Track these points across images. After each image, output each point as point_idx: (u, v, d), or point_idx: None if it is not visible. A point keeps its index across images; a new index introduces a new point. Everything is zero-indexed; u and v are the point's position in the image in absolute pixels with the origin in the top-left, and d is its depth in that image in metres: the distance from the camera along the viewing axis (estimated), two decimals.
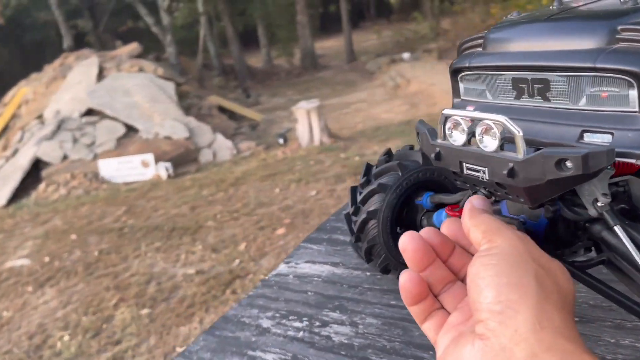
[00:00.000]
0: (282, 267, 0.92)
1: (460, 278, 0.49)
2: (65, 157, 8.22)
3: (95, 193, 7.39)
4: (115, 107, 8.71)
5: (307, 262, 0.93)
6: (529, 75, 0.56)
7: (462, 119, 0.54)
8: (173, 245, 5.14)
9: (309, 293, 0.84)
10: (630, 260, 0.52)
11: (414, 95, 10.55)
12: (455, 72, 0.67)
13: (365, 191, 0.82)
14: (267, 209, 5.73)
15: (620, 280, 0.59)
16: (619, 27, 0.49)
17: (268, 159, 7.67)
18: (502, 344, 0.37)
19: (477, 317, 0.40)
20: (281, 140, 8.27)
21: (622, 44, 0.49)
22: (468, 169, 0.54)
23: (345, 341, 0.71)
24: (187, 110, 9.31)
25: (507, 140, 0.52)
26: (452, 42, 13.25)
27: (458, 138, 0.55)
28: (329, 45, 24.02)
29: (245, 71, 15.61)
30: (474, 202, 0.49)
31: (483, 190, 0.57)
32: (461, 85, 0.67)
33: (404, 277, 0.46)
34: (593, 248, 0.63)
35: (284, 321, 0.77)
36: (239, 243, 4.97)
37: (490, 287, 0.39)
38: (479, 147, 0.53)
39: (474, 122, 0.53)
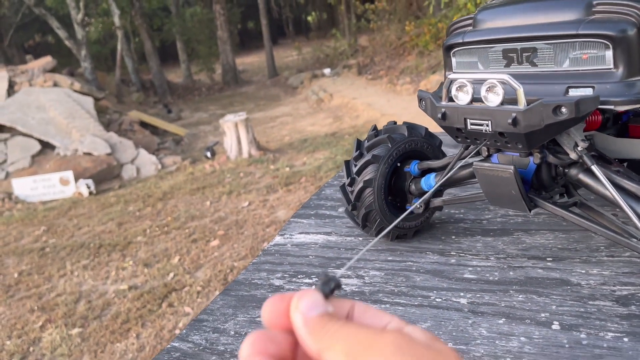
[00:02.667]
0: (279, 239, 0.98)
1: None
2: None
3: (9, 214, 6.95)
4: (29, 123, 8.27)
5: (301, 233, 1.00)
6: (519, 45, 0.67)
7: (467, 80, 0.64)
8: (102, 262, 4.95)
9: (311, 257, 0.90)
10: (604, 194, 0.64)
11: (337, 109, 10.83)
12: (448, 49, 0.78)
13: (359, 163, 0.91)
14: (198, 221, 5.67)
15: (592, 216, 0.71)
16: (594, 2, 0.62)
17: (196, 172, 7.58)
18: None
19: None
20: (208, 154, 8.20)
21: (597, 15, 0.61)
22: (472, 124, 0.64)
23: (357, 290, 0.78)
24: (107, 125, 9.00)
25: (505, 101, 0.63)
26: (371, 57, 13.75)
27: (463, 98, 0.65)
28: (250, 61, 24.08)
29: (165, 86, 15.30)
30: (302, 309, 0.34)
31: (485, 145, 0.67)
32: (453, 60, 0.78)
33: None
34: (565, 194, 0.76)
35: (294, 279, 0.83)
36: (172, 257, 4.88)
37: None
38: (482, 104, 0.64)
39: (476, 85, 0.64)
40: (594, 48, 0.62)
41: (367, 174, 0.89)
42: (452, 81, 0.64)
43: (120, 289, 4.37)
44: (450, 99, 0.67)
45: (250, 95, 15.40)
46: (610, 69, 0.61)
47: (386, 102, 10.04)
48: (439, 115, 0.67)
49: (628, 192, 0.63)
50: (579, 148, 0.63)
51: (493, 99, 0.60)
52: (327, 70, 14.24)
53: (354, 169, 0.91)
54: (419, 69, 11.09)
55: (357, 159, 0.92)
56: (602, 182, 0.62)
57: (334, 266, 0.86)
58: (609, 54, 0.60)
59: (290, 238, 0.98)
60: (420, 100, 0.73)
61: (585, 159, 0.62)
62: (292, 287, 0.81)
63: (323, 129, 9.35)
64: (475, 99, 0.66)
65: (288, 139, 8.99)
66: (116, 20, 13.41)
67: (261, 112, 12.23)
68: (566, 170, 0.70)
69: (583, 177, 0.67)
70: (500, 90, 0.59)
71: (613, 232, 0.66)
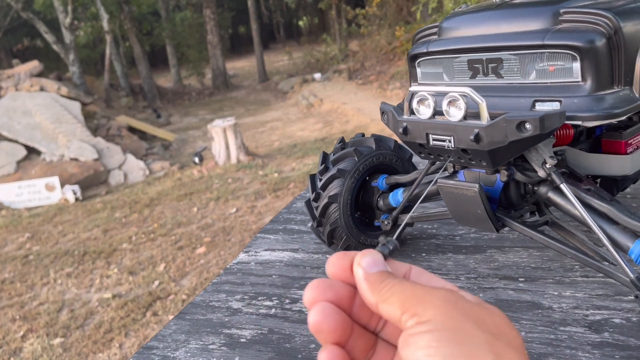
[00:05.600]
0: (243, 256, 0.93)
1: (371, 330, 0.40)
2: None
3: None
4: (15, 128, 8.17)
5: (266, 250, 0.95)
6: (484, 55, 0.63)
7: (428, 93, 0.60)
8: (86, 270, 4.88)
9: (274, 276, 0.86)
10: (574, 214, 0.60)
11: (327, 114, 10.80)
12: (412, 59, 0.74)
13: (324, 177, 0.86)
14: (185, 228, 5.61)
15: (563, 236, 0.68)
16: (562, 11, 0.58)
17: (183, 178, 7.51)
18: None
19: None
20: (197, 159, 8.14)
21: (565, 25, 0.58)
22: (434, 139, 0.61)
23: None
24: (94, 131, 8.92)
25: (468, 114, 0.59)
26: (361, 62, 13.74)
27: (425, 112, 0.61)
28: (240, 66, 24.02)
29: (154, 91, 15.22)
30: (364, 266, 0.37)
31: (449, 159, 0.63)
32: (419, 71, 0.74)
33: (324, 357, 0.37)
34: (536, 212, 0.72)
35: (253, 302, 0.79)
36: (157, 264, 4.82)
37: None
38: (444, 119, 0.60)
39: (438, 98, 0.60)
40: (560, 60, 0.58)
41: (333, 189, 0.85)
42: (413, 94, 0.60)
43: (104, 298, 4.30)
44: (413, 113, 0.63)
45: (241, 100, 15.34)
46: (577, 82, 0.57)
47: (376, 107, 10.02)
48: (400, 130, 0.63)
49: (599, 212, 0.59)
50: (547, 165, 0.59)
51: (455, 114, 0.56)
52: (317, 75, 14.22)
53: (319, 184, 0.86)
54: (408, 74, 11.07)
55: (322, 172, 0.88)
56: (571, 201, 0.58)
57: (297, 287, 0.82)
58: (577, 66, 0.56)
59: (255, 255, 0.94)
60: (382, 113, 0.69)
61: (554, 177, 0.58)
62: (251, 310, 0.77)
63: (313, 134, 9.31)
64: (440, 112, 0.62)
65: (277, 144, 8.95)
66: (105, 24, 13.33)
67: (251, 117, 12.18)
68: (535, 188, 0.66)
69: (553, 195, 0.63)
70: (462, 104, 0.55)
71: (584, 254, 0.62)
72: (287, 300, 0.78)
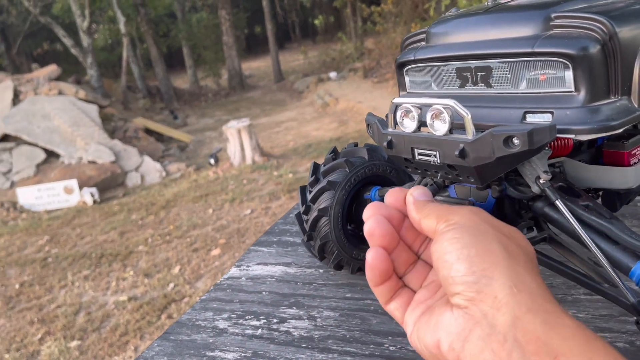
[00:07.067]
0: (234, 271, 0.90)
1: (414, 251, 0.49)
2: None
3: (13, 223, 6.96)
4: (34, 132, 8.28)
5: (258, 264, 0.92)
6: (472, 63, 0.59)
7: (412, 106, 0.57)
8: (102, 273, 4.92)
9: (264, 293, 0.83)
10: (571, 233, 0.56)
11: (342, 113, 10.75)
12: (400, 66, 0.70)
13: (314, 189, 0.83)
14: (200, 230, 5.62)
15: (562, 254, 0.63)
16: (553, 15, 0.53)
17: (199, 179, 7.54)
18: (483, 311, 0.37)
19: (452, 290, 0.39)
20: (212, 161, 8.16)
21: (556, 30, 0.53)
22: (420, 154, 0.57)
23: (305, 334, 0.71)
24: (112, 133, 9.00)
25: (455, 127, 0.55)
26: (377, 60, 13.66)
27: (409, 125, 0.58)
28: (256, 66, 24.07)
29: (171, 92, 15.32)
30: (415, 195, 0.47)
31: (435, 174, 0.60)
32: (407, 79, 0.70)
33: (372, 255, 0.45)
34: (534, 227, 0.68)
35: (240, 321, 0.76)
36: (172, 266, 4.83)
37: (460, 260, 0.39)
38: (429, 132, 0.56)
39: (424, 109, 0.56)
40: (552, 68, 0.54)
41: (323, 202, 0.81)
42: (397, 106, 0.57)
43: (120, 300, 4.32)
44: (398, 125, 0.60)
45: (256, 100, 15.37)
46: (570, 92, 0.53)
47: None
48: (385, 144, 0.59)
49: (597, 230, 0.54)
50: (541, 181, 0.54)
51: (439, 127, 0.52)
52: (333, 74, 14.17)
53: (309, 196, 0.83)
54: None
55: (312, 184, 0.85)
56: (567, 219, 0.54)
57: (287, 304, 0.79)
58: (569, 74, 0.52)
59: (247, 270, 0.91)
60: (367, 125, 0.65)
61: (548, 193, 0.54)
62: (237, 331, 0.74)
63: (328, 133, 9.28)
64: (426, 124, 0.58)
65: (292, 144, 8.93)
66: (122, 27, 13.45)
67: (267, 117, 12.18)
68: (531, 204, 0.61)
69: (549, 211, 0.59)
70: (446, 117, 0.51)
71: (582, 275, 0.58)
72: (275, 320, 0.75)
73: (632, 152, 0.63)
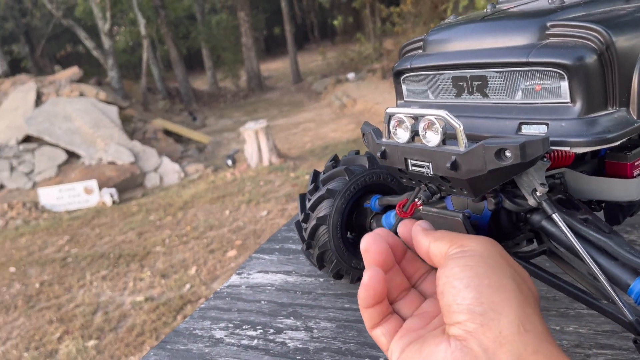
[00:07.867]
0: (234, 279, 0.90)
1: (412, 284, 0.48)
2: (1, 187, 7.85)
3: (35, 223, 7.08)
4: (56, 133, 8.42)
5: (259, 272, 0.92)
6: (468, 73, 0.58)
7: (405, 116, 0.56)
8: (120, 273, 4.97)
9: (263, 302, 0.83)
10: (569, 247, 0.54)
11: (360, 114, 10.72)
12: (397, 75, 0.69)
13: (314, 198, 0.82)
14: (217, 231, 5.65)
15: (561, 268, 0.62)
16: (549, 24, 0.52)
17: (217, 181, 7.58)
18: (484, 346, 0.36)
19: (453, 318, 0.38)
20: (230, 162, 8.21)
21: (552, 39, 0.52)
22: (413, 165, 0.56)
23: (300, 346, 0.70)
24: (131, 134, 9.11)
25: (449, 137, 0.54)
26: (395, 61, 13.60)
27: (402, 135, 0.56)
28: (275, 67, 24.16)
29: (190, 94, 15.45)
30: (422, 225, 0.48)
31: (431, 185, 0.59)
32: (404, 87, 0.69)
33: (369, 275, 0.44)
34: (535, 240, 0.66)
35: (237, 331, 0.75)
36: (189, 267, 4.87)
37: (470, 288, 0.38)
38: (422, 143, 0.55)
39: (417, 119, 0.55)
40: (547, 78, 0.52)
41: (322, 210, 0.80)
42: (390, 115, 0.56)
43: (137, 301, 4.37)
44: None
45: (275, 101, 15.41)
46: (566, 103, 0.51)
47: None
48: (379, 154, 0.58)
49: (595, 245, 0.53)
50: (538, 194, 0.53)
51: (432, 138, 0.51)
52: (351, 75, 14.14)
53: (308, 204, 0.82)
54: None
55: (312, 192, 0.84)
56: (565, 233, 0.52)
57: (284, 314, 0.78)
58: (565, 85, 0.51)
59: (247, 278, 0.91)
60: (363, 134, 0.64)
61: (545, 206, 0.53)
62: (233, 341, 0.73)
63: (345, 135, 9.26)
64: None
65: (310, 145, 8.93)
66: (142, 29, 13.61)
67: (284, 118, 12.21)
68: (528, 216, 0.60)
69: (546, 224, 0.57)
70: (439, 128, 0.49)
71: (581, 290, 0.56)
72: (271, 330, 0.74)
73: (635, 164, 0.61)
